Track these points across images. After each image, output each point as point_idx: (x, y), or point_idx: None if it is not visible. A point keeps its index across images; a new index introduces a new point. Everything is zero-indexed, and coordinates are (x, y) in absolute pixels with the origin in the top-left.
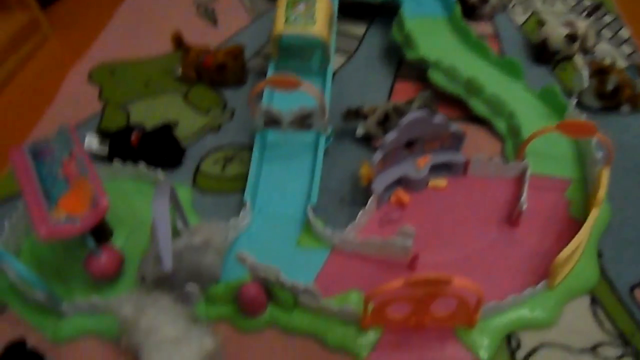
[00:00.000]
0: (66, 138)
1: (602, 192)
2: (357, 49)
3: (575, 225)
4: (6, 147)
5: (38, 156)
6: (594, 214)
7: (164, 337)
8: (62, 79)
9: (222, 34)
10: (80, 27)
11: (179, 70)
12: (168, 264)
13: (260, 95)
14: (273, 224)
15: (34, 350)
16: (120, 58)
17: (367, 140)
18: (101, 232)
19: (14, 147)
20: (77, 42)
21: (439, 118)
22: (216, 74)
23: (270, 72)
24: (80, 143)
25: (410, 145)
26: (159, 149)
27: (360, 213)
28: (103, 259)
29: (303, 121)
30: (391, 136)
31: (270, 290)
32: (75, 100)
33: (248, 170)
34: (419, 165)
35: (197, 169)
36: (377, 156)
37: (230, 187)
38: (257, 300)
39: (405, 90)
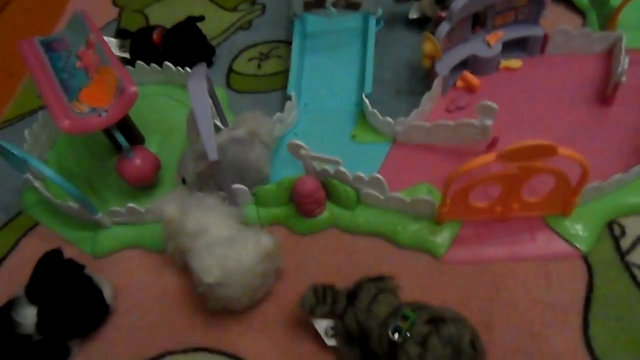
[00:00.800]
0: (81, 26)
1: None
2: None
3: None
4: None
5: (51, 49)
6: None
7: (215, 238)
8: None
9: None
10: None
11: None
12: (213, 152)
13: None
14: (322, 120)
15: (72, 260)
16: None
17: (423, 24)
18: (132, 137)
19: (22, 40)
20: None
21: None
22: None
23: None
24: (97, 29)
25: (477, 23)
26: (185, 45)
27: (424, 97)
28: (137, 160)
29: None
30: (460, 2)
31: (328, 185)
32: (89, 8)
33: (288, 65)
34: (490, 42)
35: (230, 69)
36: (444, 28)
37: (269, 85)
38: (315, 195)
39: None
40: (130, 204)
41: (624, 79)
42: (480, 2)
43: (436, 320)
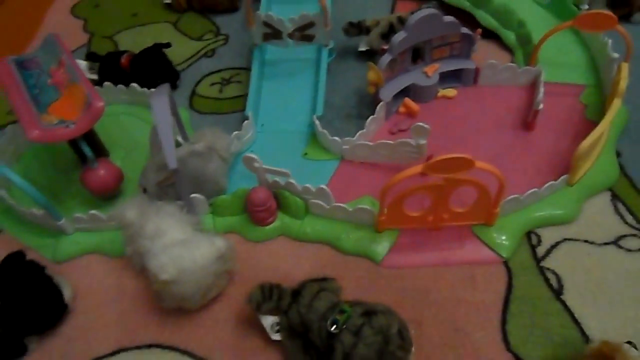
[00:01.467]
0: (53, 48)
1: (623, 83)
2: None
3: (591, 126)
4: None
5: (24, 67)
6: (615, 105)
7: (172, 240)
8: (43, 16)
9: None
10: None
11: None
12: (172, 162)
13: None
14: (278, 139)
15: (34, 261)
16: None
17: (371, 56)
18: (97, 150)
19: None
20: None
21: (449, 18)
22: None
23: None
24: (69, 51)
25: (417, 56)
26: (151, 69)
27: (368, 120)
28: (101, 171)
29: (305, 32)
30: (400, 36)
31: (279, 196)
32: (60, 33)
33: (247, 90)
34: (428, 72)
35: (193, 92)
36: (385, 59)
37: (229, 107)
38: (266, 205)
39: (407, 8)
40: (93, 211)
41: (541, 106)
42: (417, 37)
43: (369, 312)
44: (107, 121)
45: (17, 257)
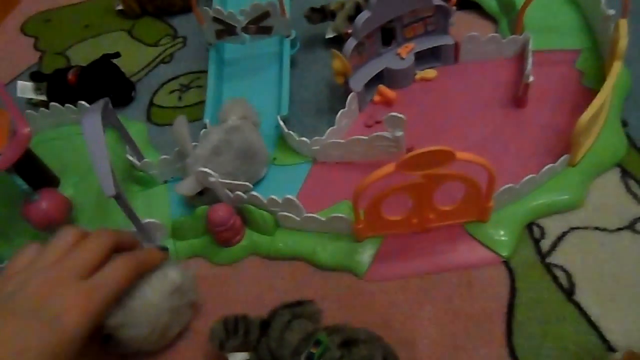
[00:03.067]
0: None
1: (622, 42)
2: None
3: (590, 94)
4: None
5: None
6: (615, 69)
7: None
8: None
9: None
10: None
11: (120, 4)
12: (109, 188)
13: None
14: None
15: None
16: (55, 6)
17: (340, 43)
18: (43, 179)
19: None
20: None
21: None
22: None
23: None
24: None
25: (388, 39)
26: (101, 83)
27: (338, 114)
28: (43, 203)
29: (261, 24)
30: (364, 16)
31: (245, 213)
32: (10, 54)
33: None
34: (401, 54)
35: (151, 103)
36: (350, 44)
37: (190, 116)
38: (228, 223)
39: None
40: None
41: (531, 79)
42: (383, 16)
43: (349, 342)
44: (58, 145)
45: None
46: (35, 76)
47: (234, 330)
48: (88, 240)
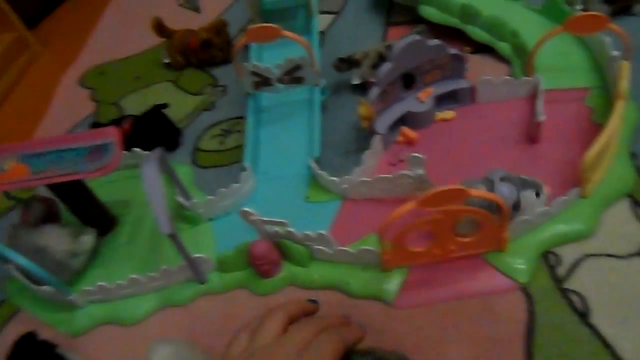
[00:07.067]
0: None
1: (624, 83)
2: (343, 7)
3: (600, 130)
4: None
5: None
6: (619, 107)
7: None
8: (55, 89)
9: (207, 18)
10: (68, 38)
11: (167, 57)
12: (166, 226)
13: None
14: (279, 186)
15: (46, 341)
16: (109, 60)
17: (365, 89)
18: (102, 218)
19: None
20: (67, 53)
21: (434, 41)
22: (202, 52)
23: (254, 45)
24: None
25: (409, 83)
26: (153, 131)
27: (364, 154)
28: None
29: (293, 75)
30: (386, 67)
31: (282, 247)
32: (70, 105)
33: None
34: (421, 98)
35: (195, 147)
36: (374, 92)
37: (231, 159)
38: (268, 257)
39: (398, 35)
40: (100, 282)
41: (542, 117)
42: (403, 66)
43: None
44: (114, 187)
45: (28, 338)
46: (94, 126)
47: None
48: (303, 323)
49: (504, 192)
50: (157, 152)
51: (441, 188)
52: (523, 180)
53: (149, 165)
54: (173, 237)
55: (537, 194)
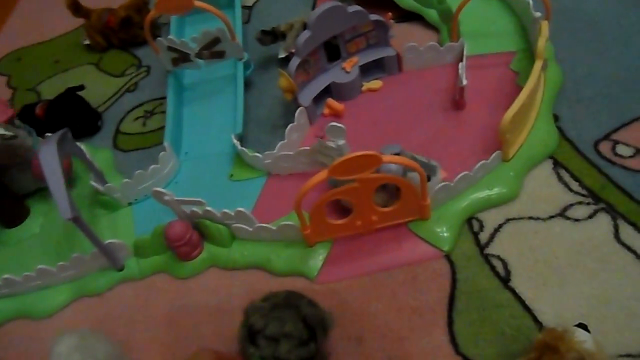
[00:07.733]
0: None
1: (542, 42)
2: None
3: None
4: None
5: None
6: (537, 67)
7: None
8: None
9: None
10: None
11: (86, 39)
12: (66, 210)
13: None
14: (203, 165)
15: None
16: (26, 44)
17: None
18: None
19: None
20: None
21: (354, 7)
22: (122, 31)
23: (174, 20)
24: None
25: (336, 56)
26: (67, 115)
27: (287, 128)
28: None
29: (213, 49)
30: (304, 36)
31: (202, 227)
32: None
33: None
34: (346, 68)
35: (117, 130)
36: (294, 62)
37: (154, 140)
38: (185, 238)
39: None
40: (6, 275)
41: (464, 83)
42: (323, 34)
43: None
44: None
45: None
46: (25, 110)
47: None
48: None
49: (392, 169)
50: (57, 133)
51: (352, 154)
52: (417, 160)
53: (46, 148)
54: (77, 221)
55: (429, 178)
